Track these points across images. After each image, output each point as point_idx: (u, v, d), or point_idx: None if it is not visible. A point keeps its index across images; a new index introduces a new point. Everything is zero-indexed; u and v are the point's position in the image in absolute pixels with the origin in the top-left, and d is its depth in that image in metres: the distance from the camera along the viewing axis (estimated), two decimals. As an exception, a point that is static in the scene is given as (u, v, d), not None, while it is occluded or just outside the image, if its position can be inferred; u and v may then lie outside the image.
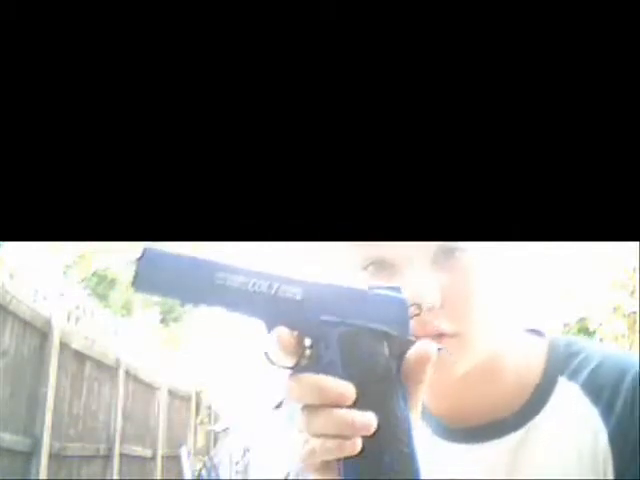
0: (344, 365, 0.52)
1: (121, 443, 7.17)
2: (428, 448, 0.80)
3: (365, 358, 0.52)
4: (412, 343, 0.53)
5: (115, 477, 6.92)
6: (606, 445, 0.69)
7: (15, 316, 4.88)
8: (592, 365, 0.73)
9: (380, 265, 0.65)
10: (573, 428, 0.71)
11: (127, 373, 7.56)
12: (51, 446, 5.38)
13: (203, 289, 0.54)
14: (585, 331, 8.82)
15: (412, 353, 0.53)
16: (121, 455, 7.19)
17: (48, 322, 5.44)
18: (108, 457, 6.85)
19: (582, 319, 8.78)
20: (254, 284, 0.54)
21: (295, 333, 0.53)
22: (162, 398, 9.04)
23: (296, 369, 0.53)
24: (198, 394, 10.99)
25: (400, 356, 0.53)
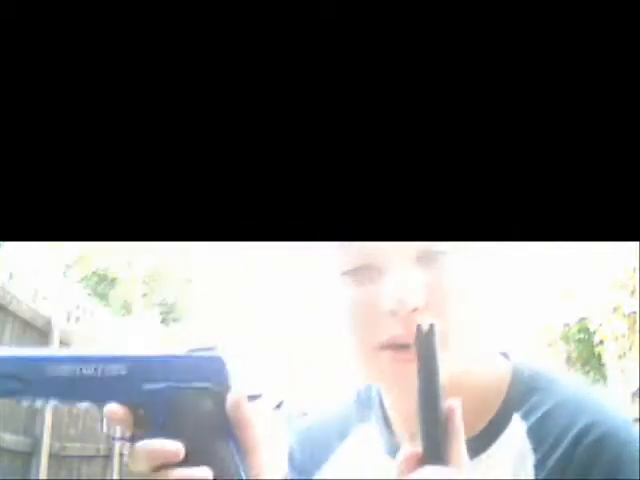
0: (174, 426, 0.57)
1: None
2: (377, 465, 0.75)
3: (192, 416, 0.57)
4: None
5: (115, 477, 6.92)
6: None
7: (15, 316, 4.87)
8: (545, 407, 0.70)
9: (365, 269, 0.64)
10: (510, 472, 0.68)
11: (127, 373, 7.53)
12: (51, 446, 5.38)
13: (37, 384, 0.58)
14: (585, 331, 8.82)
15: (227, 403, 0.58)
16: (121, 455, 7.18)
17: (48, 322, 5.43)
18: (108, 457, 6.84)
19: (582, 319, 8.78)
20: (81, 370, 0.58)
21: (124, 406, 0.58)
22: (162, 398, 9.01)
23: (133, 439, 0.58)
24: (198, 394, 10.96)
25: (224, 409, 0.58)
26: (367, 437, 0.79)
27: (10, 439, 4.71)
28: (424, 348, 0.55)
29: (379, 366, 0.66)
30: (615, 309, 7.70)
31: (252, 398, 0.57)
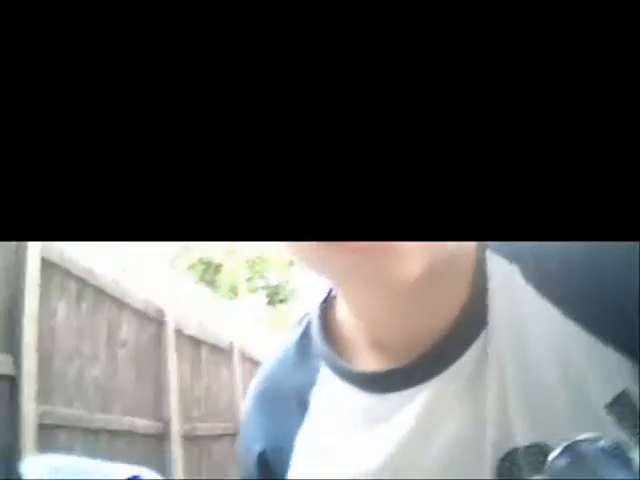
0: None
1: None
2: (349, 407, 0.61)
3: None
4: None
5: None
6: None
7: (131, 308, 5.13)
8: (527, 251, 0.59)
9: None
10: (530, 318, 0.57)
11: (242, 354, 7.82)
12: (181, 428, 5.67)
13: None
14: None
15: None
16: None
17: (161, 311, 5.70)
18: (234, 435, 7.14)
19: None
20: None
21: None
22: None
23: None
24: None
25: None
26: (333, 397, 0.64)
27: (141, 424, 4.99)
28: None
29: (325, 261, 0.52)
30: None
31: None
